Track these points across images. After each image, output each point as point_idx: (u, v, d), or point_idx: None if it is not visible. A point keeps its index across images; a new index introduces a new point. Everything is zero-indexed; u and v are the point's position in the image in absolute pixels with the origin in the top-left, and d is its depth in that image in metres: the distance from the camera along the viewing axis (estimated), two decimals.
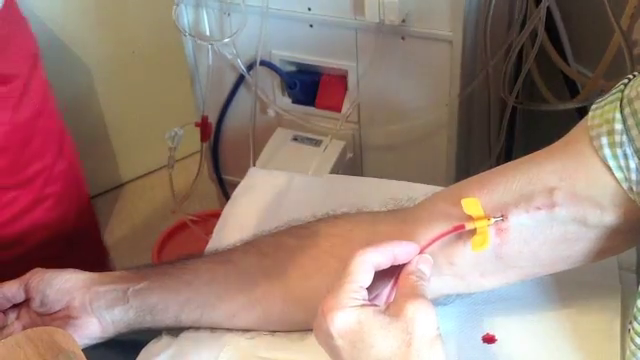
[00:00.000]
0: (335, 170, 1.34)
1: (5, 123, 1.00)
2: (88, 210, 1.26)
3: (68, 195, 1.14)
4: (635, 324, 0.63)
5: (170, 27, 1.37)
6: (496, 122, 1.46)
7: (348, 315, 0.60)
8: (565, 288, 0.81)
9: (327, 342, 0.62)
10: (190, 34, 1.39)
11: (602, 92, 0.66)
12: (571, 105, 1.41)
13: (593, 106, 0.67)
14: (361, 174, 1.44)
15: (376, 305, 0.63)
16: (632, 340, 0.64)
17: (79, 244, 1.18)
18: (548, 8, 1.30)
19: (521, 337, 0.77)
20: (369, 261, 0.63)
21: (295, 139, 1.42)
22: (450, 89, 1.28)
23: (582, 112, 1.38)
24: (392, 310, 0.61)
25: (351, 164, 1.43)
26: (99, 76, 1.79)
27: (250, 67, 1.38)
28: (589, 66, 1.41)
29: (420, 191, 0.79)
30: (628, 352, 0.65)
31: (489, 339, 0.77)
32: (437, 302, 0.73)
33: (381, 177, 1.05)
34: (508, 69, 1.35)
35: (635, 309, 0.63)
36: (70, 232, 1.15)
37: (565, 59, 1.44)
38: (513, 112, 1.46)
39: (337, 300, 0.61)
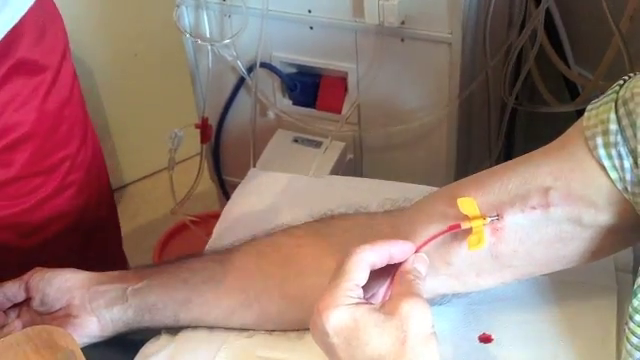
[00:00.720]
0: (335, 171, 1.34)
1: (33, 112, 1.01)
2: (109, 200, 1.26)
3: (89, 184, 1.14)
4: (631, 324, 0.63)
5: (171, 29, 1.38)
6: (496, 123, 1.46)
7: (343, 313, 0.61)
8: (561, 288, 0.81)
9: (323, 340, 0.62)
10: (191, 35, 1.39)
11: (602, 94, 0.67)
12: (571, 107, 1.40)
13: (589, 107, 0.68)
14: (361, 175, 1.44)
15: (371, 303, 0.63)
16: (628, 340, 0.64)
17: (99, 234, 1.18)
18: (548, 9, 1.30)
19: (517, 337, 0.77)
20: (365, 260, 0.63)
21: (295, 140, 1.42)
22: (450, 90, 1.28)
23: (582, 114, 1.37)
24: (387, 308, 0.61)
25: (351, 165, 1.43)
26: (101, 78, 1.79)
27: (250, 69, 1.38)
28: (589, 68, 1.41)
29: (418, 192, 0.80)
30: (624, 352, 0.65)
31: (485, 339, 0.78)
32: (433, 302, 0.73)
33: (381, 178, 1.05)
34: (508, 71, 1.35)
35: (631, 309, 0.63)
36: (91, 221, 1.15)
37: (565, 61, 1.44)
38: (513, 113, 1.46)
39: (333, 298, 0.61)
